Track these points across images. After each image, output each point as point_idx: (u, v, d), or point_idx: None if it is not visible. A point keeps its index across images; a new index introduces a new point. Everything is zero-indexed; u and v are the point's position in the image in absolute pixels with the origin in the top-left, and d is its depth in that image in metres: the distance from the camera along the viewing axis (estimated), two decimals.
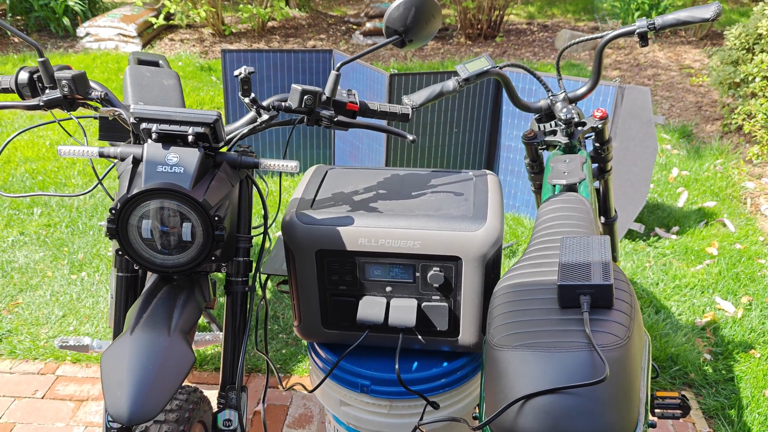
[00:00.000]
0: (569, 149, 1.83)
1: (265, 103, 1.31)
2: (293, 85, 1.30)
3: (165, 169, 1.16)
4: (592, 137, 1.95)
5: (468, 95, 3.34)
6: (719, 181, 3.84)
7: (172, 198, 1.15)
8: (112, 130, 1.73)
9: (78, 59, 6.51)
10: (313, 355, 1.57)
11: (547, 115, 1.88)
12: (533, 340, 1.05)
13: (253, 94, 1.26)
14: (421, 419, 1.40)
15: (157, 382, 1.04)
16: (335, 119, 1.33)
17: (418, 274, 1.39)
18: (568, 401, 0.96)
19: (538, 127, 1.88)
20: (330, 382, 1.53)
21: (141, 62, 2.37)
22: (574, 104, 1.89)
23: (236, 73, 1.24)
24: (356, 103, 1.37)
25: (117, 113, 1.27)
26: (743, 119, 4.00)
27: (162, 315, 1.15)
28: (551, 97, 1.84)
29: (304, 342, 2.57)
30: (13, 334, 2.60)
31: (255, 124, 1.29)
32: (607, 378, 0.96)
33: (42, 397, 2.30)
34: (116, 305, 1.30)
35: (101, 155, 1.23)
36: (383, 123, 3.20)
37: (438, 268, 1.37)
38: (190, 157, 1.18)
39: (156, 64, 2.40)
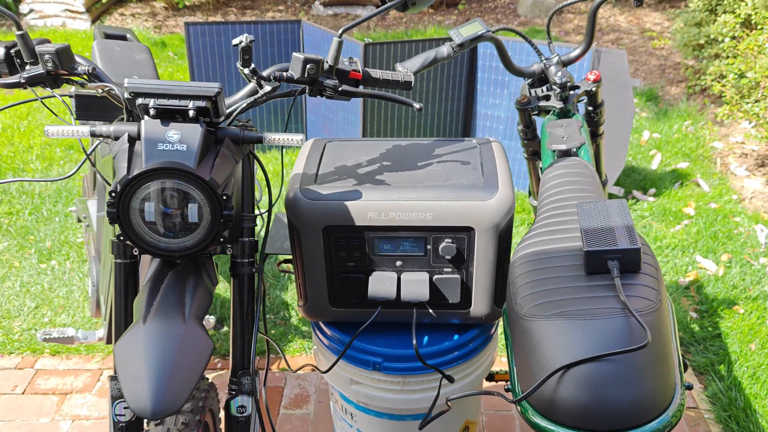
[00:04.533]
0: (564, 114, 1.80)
1: (264, 74, 1.24)
2: (294, 54, 1.22)
3: (166, 147, 1.09)
4: (585, 101, 1.92)
5: (442, 64, 3.28)
6: (689, 142, 3.90)
7: (177, 177, 1.08)
8: (90, 108, 1.63)
9: None
10: (320, 334, 1.52)
11: (539, 79, 1.84)
12: (565, 308, 1.02)
13: (253, 65, 1.19)
14: (437, 395, 1.37)
15: (177, 372, 0.98)
16: (339, 89, 1.27)
17: (429, 247, 1.35)
18: (609, 369, 0.94)
19: (531, 92, 1.85)
20: (339, 362, 1.48)
21: (108, 36, 2.25)
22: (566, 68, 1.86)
23: (236, 41, 1.16)
24: (359, 72, 1.31)
25: (107, 89, 1.18)
26: (713, 80, 4.05)
27: (173, 302, 1.09)
28: (544, 62, 1.80)
29: (293, 321, 2.52)
30: None
31: (256, 96, 1.22)
32: (650, 343, 0.95)
33: (22, 393, 2.21)
34: (116, 293, 1.23)
35: (93, 135, 1.14)
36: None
37: (450, 240, 1.33)
38: (192, 133, 1.10)
39: (123, 37, 2.28)
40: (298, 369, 1.42)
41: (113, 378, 1.23)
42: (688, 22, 4.66)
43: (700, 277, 2.67)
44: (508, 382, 1.28)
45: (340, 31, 1.24)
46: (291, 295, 2.66)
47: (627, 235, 1.09)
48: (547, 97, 1.82)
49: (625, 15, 6.67)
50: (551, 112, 1.83)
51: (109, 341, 1.70)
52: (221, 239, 1.14)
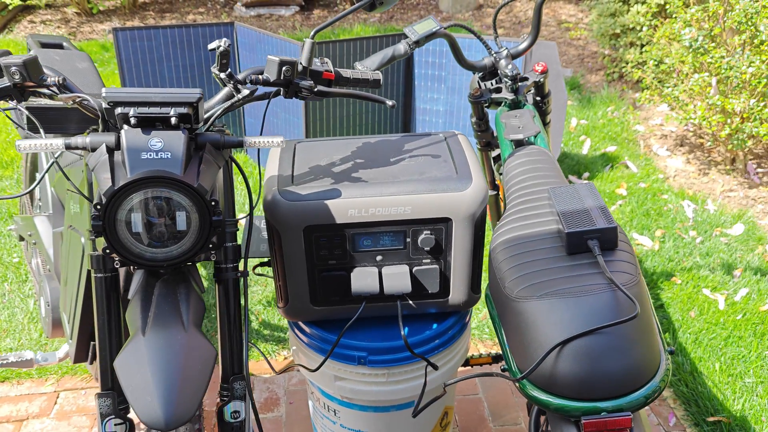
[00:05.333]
0: (515, 105, 1.88)
1: (239, 78, 1.24)
2: (269, 57, 1.23)
3: (150, 155, 1.07)
4: (533, 92, 2.01)
5: None
6: (615, 126, 4.11)
7: (164, 186, 1.06)
8: (42, 121, 1.57)
9: None
10: (300, 334, 1.53)
11: (489, 73, 1.91)
12: (555, 287, 1.08)
13: (229, 69, 1.19)
14: (425, 383, 1.41)
15: (185, 381, 0.98)
16: (315, 89, 1.28)
17: (408, 240, 1.38)
18: (603, 341, 1.01)
19: (482, 85, 1.92)
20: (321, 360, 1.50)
21: (44, 45, 2.15)
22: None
23: (212, 46, 1.15)
24: (331, 72, 1.32)
25: (80, 100, 1.15)
26: (633, 67, 4.28)
27: (170, 311, 1.07)
28: (494, 55, 1.87)
29: (254, 326, 2.50)
30: None
31: (233, 100, 1.22)
32: (639, 314, 1.02)
33: None
34: (98, 309, 1.20)
35: (68, 147, 1.11)
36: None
37: (429, 232, 1.37)
38: (176, 140, 1.09)
39: (60, 46, 2.19)
40: (282, 370, 1.42)
41: (101, 395, 1.20)
42: (603, 13, 4.90)
43: (639, 253, 2.83)
44: (503, 362, 1.33)
45: (312, 33, 1.26)
46: (250, 299, 2.63)
47: (603, 215, 1.17)
48: (498, 90, 1.89)
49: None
50: (503, 104, 1.90)
51: (77, 360, 1.64)
52: (210, 246, 1.14)
